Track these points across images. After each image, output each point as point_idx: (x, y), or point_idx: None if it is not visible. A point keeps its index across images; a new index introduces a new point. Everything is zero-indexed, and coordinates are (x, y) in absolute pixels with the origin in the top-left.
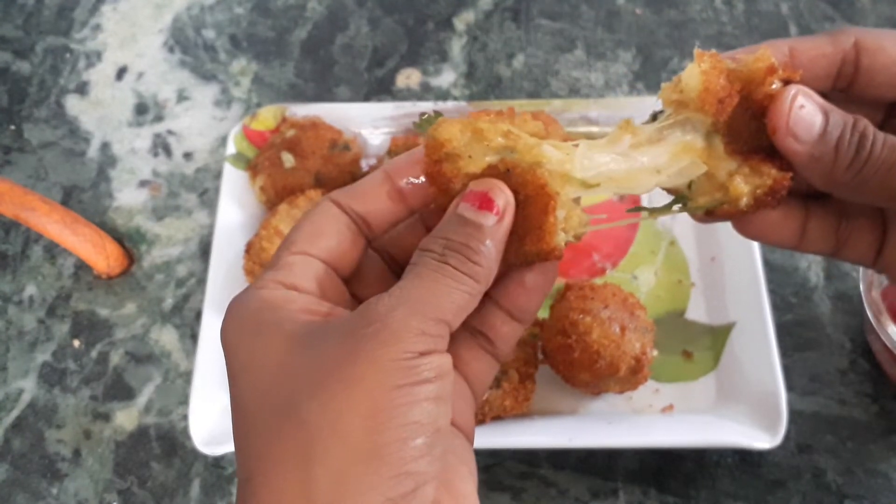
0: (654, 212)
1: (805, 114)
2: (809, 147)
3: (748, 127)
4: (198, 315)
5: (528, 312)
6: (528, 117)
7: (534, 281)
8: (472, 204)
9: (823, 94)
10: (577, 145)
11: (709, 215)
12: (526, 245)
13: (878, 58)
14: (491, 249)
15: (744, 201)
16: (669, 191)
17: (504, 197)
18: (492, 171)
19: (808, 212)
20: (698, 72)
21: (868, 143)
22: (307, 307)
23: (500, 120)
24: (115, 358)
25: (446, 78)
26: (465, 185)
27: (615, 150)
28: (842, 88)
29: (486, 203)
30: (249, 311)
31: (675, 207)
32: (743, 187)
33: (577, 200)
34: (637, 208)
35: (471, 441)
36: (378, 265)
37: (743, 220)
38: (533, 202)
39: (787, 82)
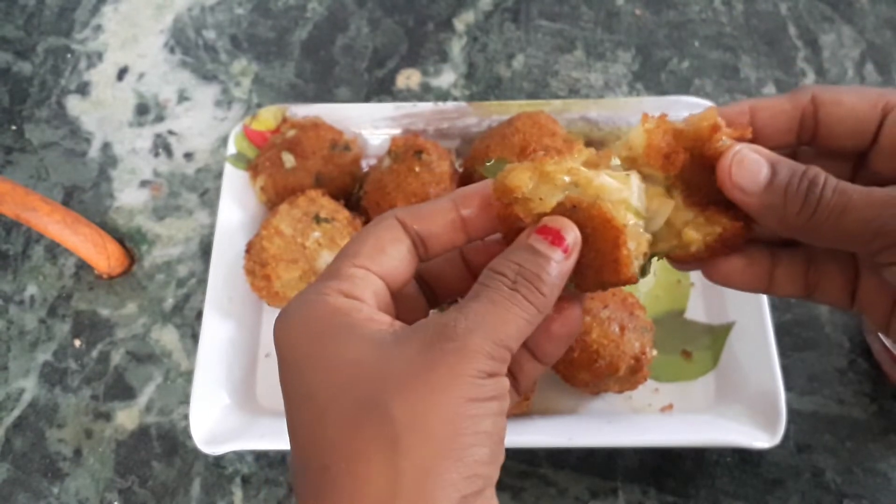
0: (643, 272)
1: (749, 165)
2: (758, 197)
3: (706, 182)
4: (198, 315)
5: (551, 356)
6: (581, 146)
7: (559, 330)
8: (544, 237)
9: (792, 152)
10: (629, 175)
11: (669, 259)
12: (603, 276)
13: (834, 110)
14: (556, 281)
15: (694, 247)
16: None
17: (573, 235)
18: (559, 209)
19: (774, 258)
20: (642, 131)
21: (818, 189)
22: (371, 317)
23: (562, 160)
24: (116, 357)
25: (446, 78)
26: (534, 221)
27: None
28: (806, 142)
29: (557, 239)
30: (318, 313)
31: (650, 260)
32: (693, 235)
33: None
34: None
35: None
36: (413, 286)
37: (708, 267)
38: (602, 236)
39: (740, 140)
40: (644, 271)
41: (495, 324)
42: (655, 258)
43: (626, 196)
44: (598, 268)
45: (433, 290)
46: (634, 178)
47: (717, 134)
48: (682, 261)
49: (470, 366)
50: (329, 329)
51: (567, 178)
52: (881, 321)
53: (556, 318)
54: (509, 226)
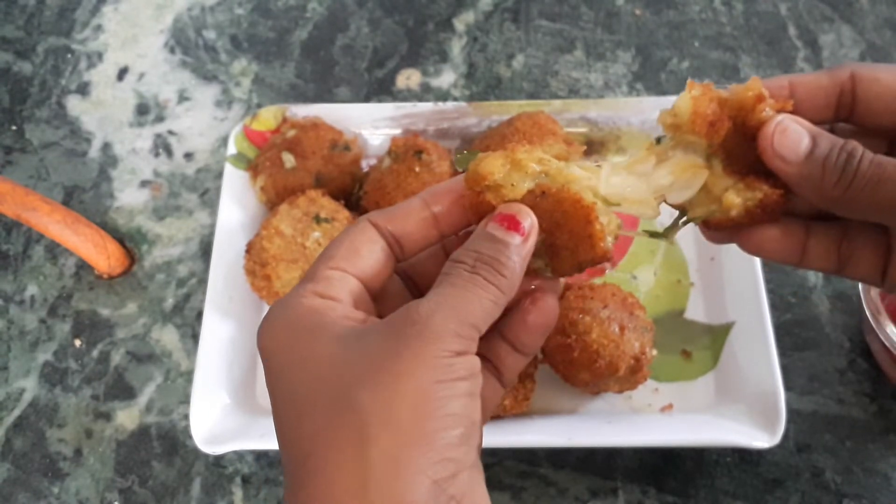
0: (667, 231)
1: (791, 135)
2: (797, 167)
3: (746, 151)
4: (199, 315)
5: (529, 347)
6: (553, 140)
7: (534, 320)
8: (500, 223)
9: (829, 128)
10: (599, 165)
11: (706, 226)
12: (579, 255)
13: (872, 87)
14: (516, 264)
15: (734, 212)
16: (675, 206)
17: (529, 220)
18: (529, 197)
19: (808, 230)
20: (689, 97)
21: (855, 161)
22: (346, 314)
23: (533, 149)
24: (117, 357)
25: (446, 78)
26: None
27: (637, 170)
28: (844, 118)
29: (513, 224)
30: (294, 315)
31: (680, 222)
32: (734, 199)
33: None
34: (652, 233)
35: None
36: (398, 285)
37: (744, 236)
38: (572, 217)
39: (781, 111)
40: (668, 235)
41: (457, 304)
42: (692, 223)
43: (594, 184)
44: (573, 248)
45: (418, 286)
46: (606, 169)
47: (762, 104)
48: (720, 227)
49: (434, 346)
50: (305, 328)
51: (537, 167)
52: None
53: (531, 310)
54: (482, 216)
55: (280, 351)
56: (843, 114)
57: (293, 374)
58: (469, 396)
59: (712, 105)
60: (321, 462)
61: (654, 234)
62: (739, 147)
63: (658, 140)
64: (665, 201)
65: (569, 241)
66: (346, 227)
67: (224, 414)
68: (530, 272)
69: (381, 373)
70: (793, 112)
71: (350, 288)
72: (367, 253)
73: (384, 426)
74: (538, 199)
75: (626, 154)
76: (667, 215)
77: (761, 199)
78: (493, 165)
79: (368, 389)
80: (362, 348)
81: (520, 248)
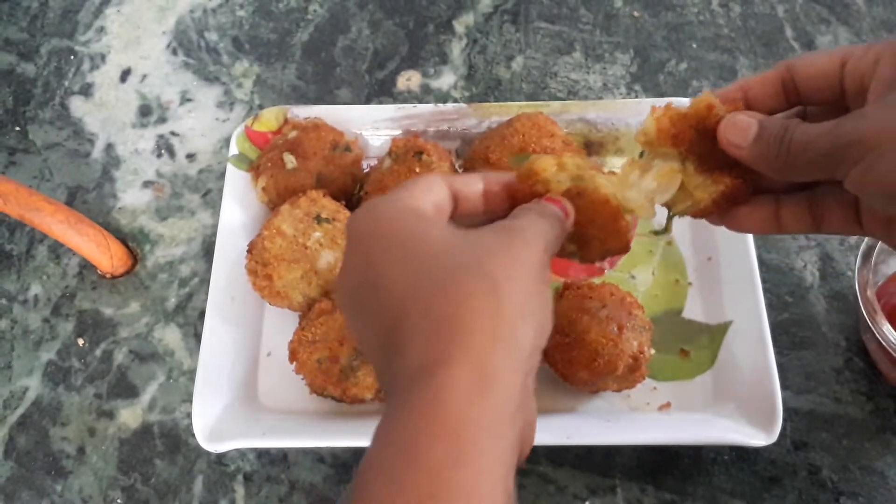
0: (666, 227)
1: (740, 125)
2: (749, 149)
3: (713, 150)
4: (201, 314)
5: None
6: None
7: None
8: (548, 202)
9: (801, 113)
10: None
11: (693, 216)
12: (608, 244)
13: (805, 71)
14: (560, 231)
15: (703, 204)
16: (663, 205)
17: (569, 206)
18: (568, 193)
19: (778, 202)
20: (652, 120)
21: (789, 133)
22: (442, 216)
23: (575, 157)
24: (119, 356)
25: (446, 80)
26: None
27: (627, 181)
28: (795, 103)
29: (557, 204)
30: (400, 206)
31: (668, 216)
32: (701, 193)
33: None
34: (655, 232)
35: None
36: None
37: (726, 217)
38: (603, 214)
39: (734, 111)
40: (668, 228)
41: (541, 231)
42: (676, 217)
43: (615, 191)
44: (603, 238)
45: None
46: (621, 177)
47: (713, 111)
48: (699, 216)
49: (535, 253)
50: (411, 216)
51: (576, 171)
52: (883, 236)
53: None
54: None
55: (392, 230)
56: (793, 99)
57: (412, 246)
58: (550, 298)
59: (673, 121)
60: (455, 312)
61: (657, 232)
62: (707, 148)
63: (641, 154)
64: (656, 203)
65: (599, 233)
66: (416, 178)
67: (226, 412)
68: (564, 254)
69: (502, 255)
70: (749, 108)
71: (439, 201)
72: (437, 194)
73: (509, 292)
74: (574, 197)
75: (624, 156)
76: (661, 215)
77: (723, 190)
78: (546, 164)
79: (496, 263)
80: (479, 237)
81: (562, 221)
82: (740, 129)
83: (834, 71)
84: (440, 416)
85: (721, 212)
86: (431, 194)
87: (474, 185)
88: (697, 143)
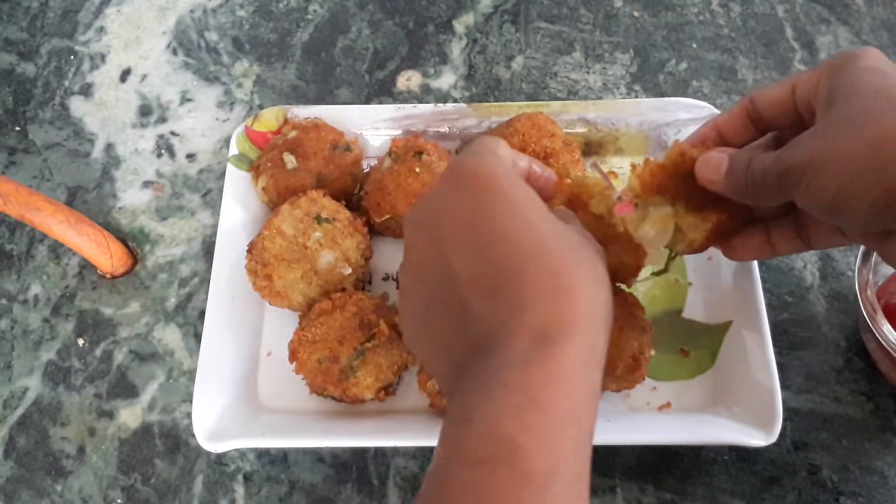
0: (667, 266)
1: (711, 162)
2: (723, 182)
3: (697, 191)
4: (201, 314)
5: None
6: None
7: None
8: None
9: (778, 134)
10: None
11: (689, 253)
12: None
13: (764, 101)
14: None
15: (696, 243)
16: (665, 248)
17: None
18: (599, 220)
19: (768, 228)
20: (634, 177)
21: (751, 163)
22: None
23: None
24: (119, 356)
25: (446, 80)
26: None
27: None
28: (764, 131)
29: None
30: (512, 174)
31: (669, 257)
32: (692, 234)
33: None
34: (657, 272)
35: None
36: None
37: (723, 248)
38: (626, 245)
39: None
40: (667, 268)
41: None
42: (676, 257)
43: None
44: (631, 267)
45: None
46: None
47: (686, 156)
48: (695, 252)
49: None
50: (524, 186)
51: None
52: (867, 244)
53: None
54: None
55: (511, 186)
56: (762, 127)
57: (529, 206)
58: None
59: (653, 174)
60: (571, 282)
61: (656, 273)
62: (691, 189)
63: (636, 206)
64: (657, 247)
65: (625, 264)
66: (488, 137)
67: (226, 412)
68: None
69: (601, 264)
70: (723, 143)
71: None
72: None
73: (607, 294)
74: (604, 224)
75: (624, 156)
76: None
77: (712, 226)
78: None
79: (602, 265)
80: (584, 238)
81: None
82: (713, 166)
83: (788, 98)
84: (565, 379)
85: (714, 244)
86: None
87: (524, 161)
88: (681, 187)
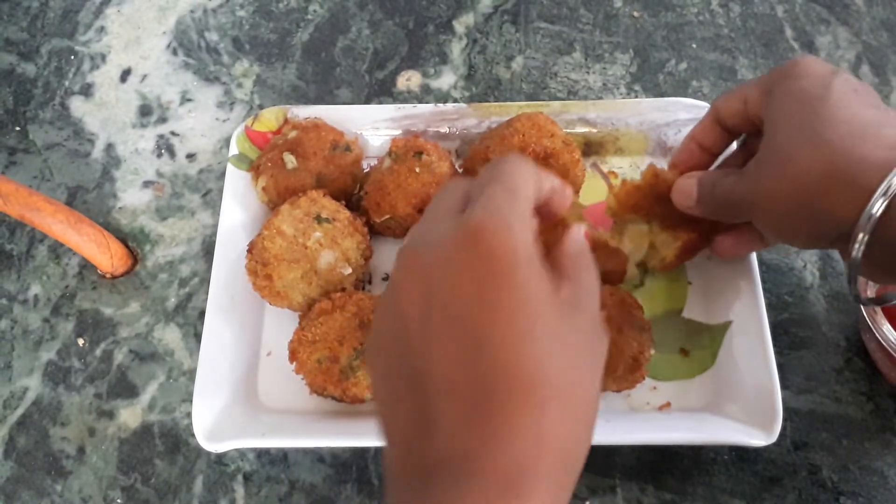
0: (641, 283)
1: (683, 189)
2: (697, 207)
3: (670, 210)
4: (201, 314)
5: None
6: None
7: None
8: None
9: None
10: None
11: (661, 270)
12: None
13: (725, 112)
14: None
15: (668, 259)
16: (639, 264)
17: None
18: (597, 241)
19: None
20: (612, 197)
21: (715, 188)
22: (540, 263)
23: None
24: (119, 356)
25: (446, 80)
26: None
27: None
28: (737, 135)
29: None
30: (530, 253)
31: (646, 272)
32: (664, 251)
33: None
34: (633, 285)
35: None
36: None
37: (716, 247)
38: (608, 252)
39: (682, 173)
40: (643, 282)
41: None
42: (648, 272)
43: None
44: (616, 272)
45: None
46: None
47: (660, 177)
48: (668, 269)
49: (605, 350)
50: (537, 269)
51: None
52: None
53: None
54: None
55: (526, 277)
56: (733, 134)
57: (541, 308)
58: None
59: (629, 194)
60: (556, 415)
61: (636, 286)
62: (665, 208)
63: (615, 223)
64: (633, 261)
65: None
66: (519, 162)
67: (226, 412)
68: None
69: (583, 360)
70: (702, 153)
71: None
72: (533, 194)
73: (575, 407)
74: (601, 243)
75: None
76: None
77: (681, 244)
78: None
79: (578, 366)
80: (573, 327)
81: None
82: (685, 193)
83: (742, 108)
84: None
85: (685, 261)
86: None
87: (547, 183)
88: (655, 207)
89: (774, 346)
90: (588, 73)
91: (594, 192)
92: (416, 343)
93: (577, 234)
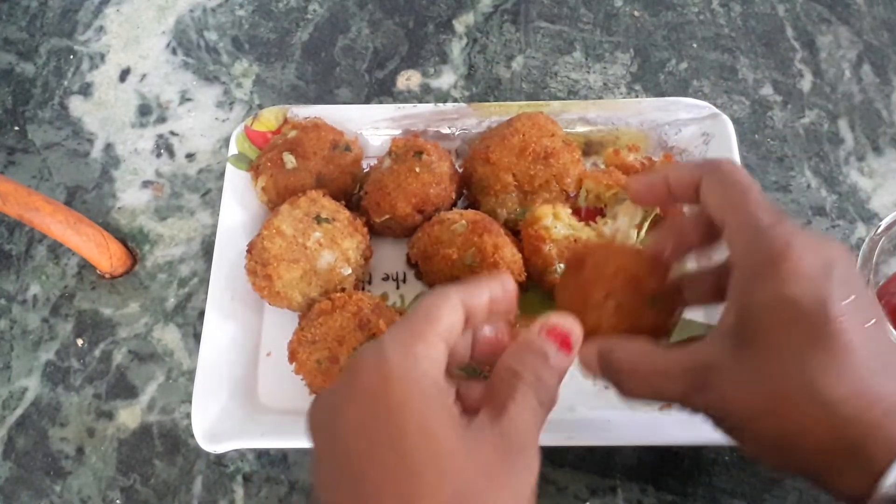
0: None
1: (584, 358)
2: (602, 377)
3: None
4: (200, 314)
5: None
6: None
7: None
8: (553, 340)
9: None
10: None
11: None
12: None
13: (675, 183)
14: (559, 382)
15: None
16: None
17: (575, 334)
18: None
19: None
20: (589, 179)
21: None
22: (452, 400)
23: (565, 208)
24: (119, 357)
25: (446, 79)
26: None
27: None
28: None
29: (565, 342)
30: (416, 382)
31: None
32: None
33: None
34: None
35: None
36: None
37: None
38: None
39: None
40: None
41: (534, 422)
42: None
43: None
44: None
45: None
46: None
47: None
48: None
49: (532, 463)
50: (427, 401)
51: (568, 221)
52: None
53: None
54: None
55: (406, 414)
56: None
57: (419, 447)
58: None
59: (608, 172)
60: None
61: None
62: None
63: (604, 206)
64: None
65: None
66: (441, 295)
67: (225, 413)
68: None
69: (500, 483)
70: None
71: (444, 358)
72: (455, 325)
73: None
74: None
75: None
76: None
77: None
78: (544, 212)
79: (492, 495)
80: (480, 456)
81: (567, 366)
82: (586, 365)
83: (693, 195)
84: None
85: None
86: (450, 335)
87: (482, 297)
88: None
89: None
90: (588, 72)
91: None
92: (318, 468)
93: (515, 348)
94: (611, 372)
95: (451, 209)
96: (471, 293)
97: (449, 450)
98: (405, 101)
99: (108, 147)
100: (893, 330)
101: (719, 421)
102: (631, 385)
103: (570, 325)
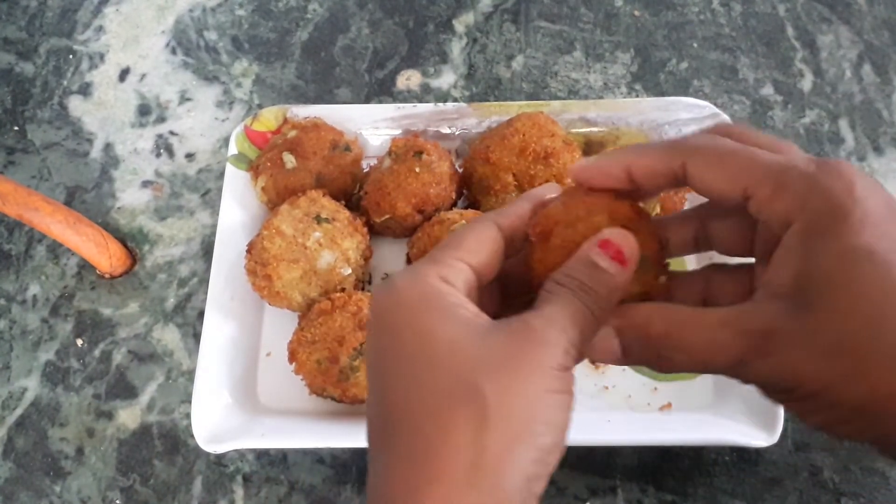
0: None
1: (603, 339)
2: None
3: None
4: (200, 314)
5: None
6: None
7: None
8: (605, 252)
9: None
10: None
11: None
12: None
13: (643, 174)
14: (615, 296)
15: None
16: None
17: (630, 247)
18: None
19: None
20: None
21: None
22: (463, 304)
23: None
24: (118, 357)
25: (446, 79)
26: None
27: None
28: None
29: (618, 255)
30: (422, 292)
31: None
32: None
33: None
34: None
35: None
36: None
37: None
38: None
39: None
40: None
41: (567, 326)
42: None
43: None
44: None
45: (505, 285)
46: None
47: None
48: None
49: (551, 359)
50: (431, 307)
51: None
52: None
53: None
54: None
55: (400, 317)
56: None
57: (414, 344)
58: (566, 410)
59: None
60: (440, 438)
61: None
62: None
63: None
64: None
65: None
66: (472, 222)
67: (225, 413)
68: None
69: (506, 369)
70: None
71: (467, 278)
72: (488, 249)
73: (502, 418)
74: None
75: None
76: None
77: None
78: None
79: (494, 381)
80: (487, 345)
81: (622, 280)
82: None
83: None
84: None
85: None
86: (477, 258)
87: (521, 210)
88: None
89: None
90: (589, 72)
91: None
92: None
93: (571, 262)
94: (648, 349)
95: (451, 209)
96: (507, 211)
97: (445, 340)
98: (405, 100)
99: (108, 147)
100: None
101: (784, 391)
102: (676, 359)
103: (623, 237)
